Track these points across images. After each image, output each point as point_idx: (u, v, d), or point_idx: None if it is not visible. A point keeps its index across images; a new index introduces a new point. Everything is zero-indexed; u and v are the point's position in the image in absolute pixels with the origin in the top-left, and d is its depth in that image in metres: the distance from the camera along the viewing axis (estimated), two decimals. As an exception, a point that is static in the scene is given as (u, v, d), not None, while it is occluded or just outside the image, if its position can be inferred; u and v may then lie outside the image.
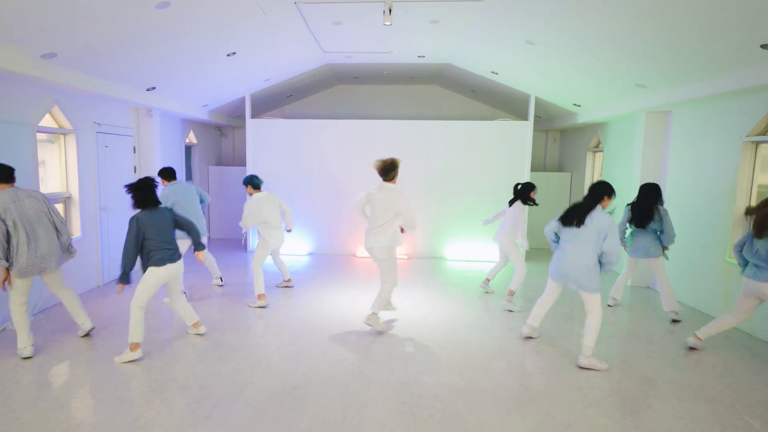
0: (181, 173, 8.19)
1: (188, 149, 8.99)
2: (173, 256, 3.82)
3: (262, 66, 6.84)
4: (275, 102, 9.53)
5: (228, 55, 5.70)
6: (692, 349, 4.10)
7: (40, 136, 5.00)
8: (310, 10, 5.04)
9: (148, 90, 5.93)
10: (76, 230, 5.55)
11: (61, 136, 5.39)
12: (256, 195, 5.19)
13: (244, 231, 5.56)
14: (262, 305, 5.11)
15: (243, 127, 10.17)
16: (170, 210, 3.90)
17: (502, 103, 9.01)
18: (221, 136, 10.46)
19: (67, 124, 5.28)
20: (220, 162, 10.37)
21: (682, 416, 3.03)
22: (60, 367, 3.60)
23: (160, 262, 3.73)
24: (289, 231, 5.52)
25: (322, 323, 4.65)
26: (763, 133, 4.57)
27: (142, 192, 3.72)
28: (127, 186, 3.76)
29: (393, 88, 9.89)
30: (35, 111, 4.75)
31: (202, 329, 4.27)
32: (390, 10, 4.75)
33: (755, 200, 4.71)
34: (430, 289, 5.96)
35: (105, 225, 6.06)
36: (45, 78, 4.17)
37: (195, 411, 2.99)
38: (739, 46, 3.72)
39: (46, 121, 5.09)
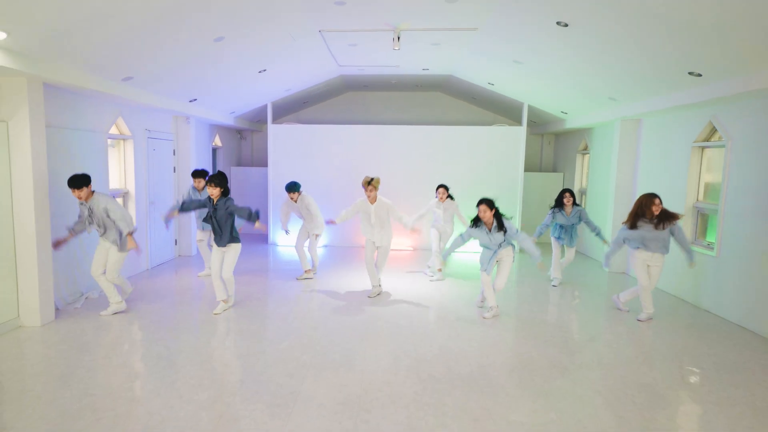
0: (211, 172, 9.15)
1: (214, 151, 9.99)
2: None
3: (284, 79, 7.80)
4: (292, 108, 10.51)
5: (259, 72, 6.67)
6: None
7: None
8: (331, 36, 5.99)
9: (190, 101, 6.92)
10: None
11: (122, 142, 6.39)
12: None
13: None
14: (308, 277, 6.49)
15: (260, 131, 11.16)
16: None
17: (500, 109, 9.92)
18: (241, 139, 11.44)
19: (127, 132, 6.28)
20: (240, 163, 11.35)
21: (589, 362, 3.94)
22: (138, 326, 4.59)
23: (239, 238, 4.93)
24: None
25: (343, 294, 5.61)
26: (706, 140, 5.49)
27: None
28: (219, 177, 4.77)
29: (400, 95, 10.82)
30: (106, 121, 5.77)
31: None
32: (398, 38, 5.70)
33: (702, 195, 5.62)
34: (418, 279, 6.93)
35: (153, 217, 7.04)
36: (123, 96, 5.18)
37: (254, 347, 3.95)
38: (676, 72, 4.64)
39: (112, 130, 6.09)
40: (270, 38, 5.46)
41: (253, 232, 10.43)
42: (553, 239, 6.31)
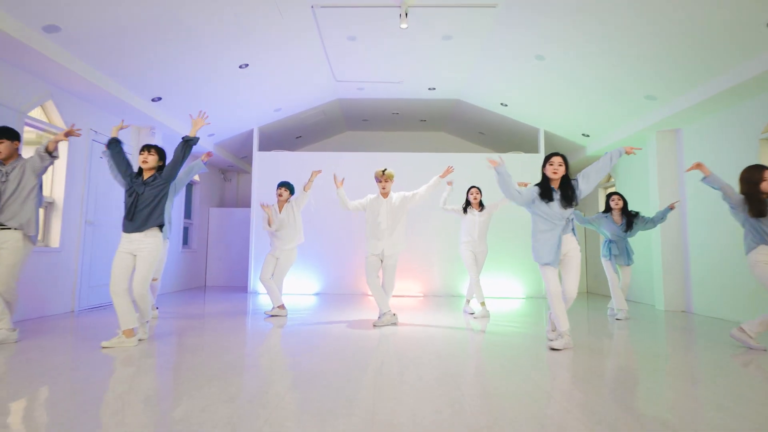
0: (179, 210, 7.81)
1: (189, 186, 8.73)
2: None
3: (272, 93, 6.77)
4: (284, 143, 9.40)
5: (240, 67, 5.60)
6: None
7: (27, 136, 4.71)
8: (326, 19, 4.99)
9: (153, 100, 5.76)
10: (54, 240, 5.05)
11: (52, 136, 5.09)
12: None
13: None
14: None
15: (247, 171, 9.97)
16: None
17: (511, 142, 8.86)
18: (225, 180, 10.26)
19: (60, 123, 5.01)
20: (222, 204, 10.06)
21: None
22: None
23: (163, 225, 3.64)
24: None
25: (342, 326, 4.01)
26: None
27: None
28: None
29: (402, 135, 9.84)
30: (28, 99, 4.50)
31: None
32: (406, 14, 4.72)
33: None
34: (442, 313, 5.31)
35: (89, 241, 5.52)
36: (46, 54, 3.97)
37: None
38: (744, 28, 3.57)
39: (40, 115, 4.84)
40: (250, 10, 4.43)
41: (231, 284, 8.90)
42: (604, 261, 5.03)
